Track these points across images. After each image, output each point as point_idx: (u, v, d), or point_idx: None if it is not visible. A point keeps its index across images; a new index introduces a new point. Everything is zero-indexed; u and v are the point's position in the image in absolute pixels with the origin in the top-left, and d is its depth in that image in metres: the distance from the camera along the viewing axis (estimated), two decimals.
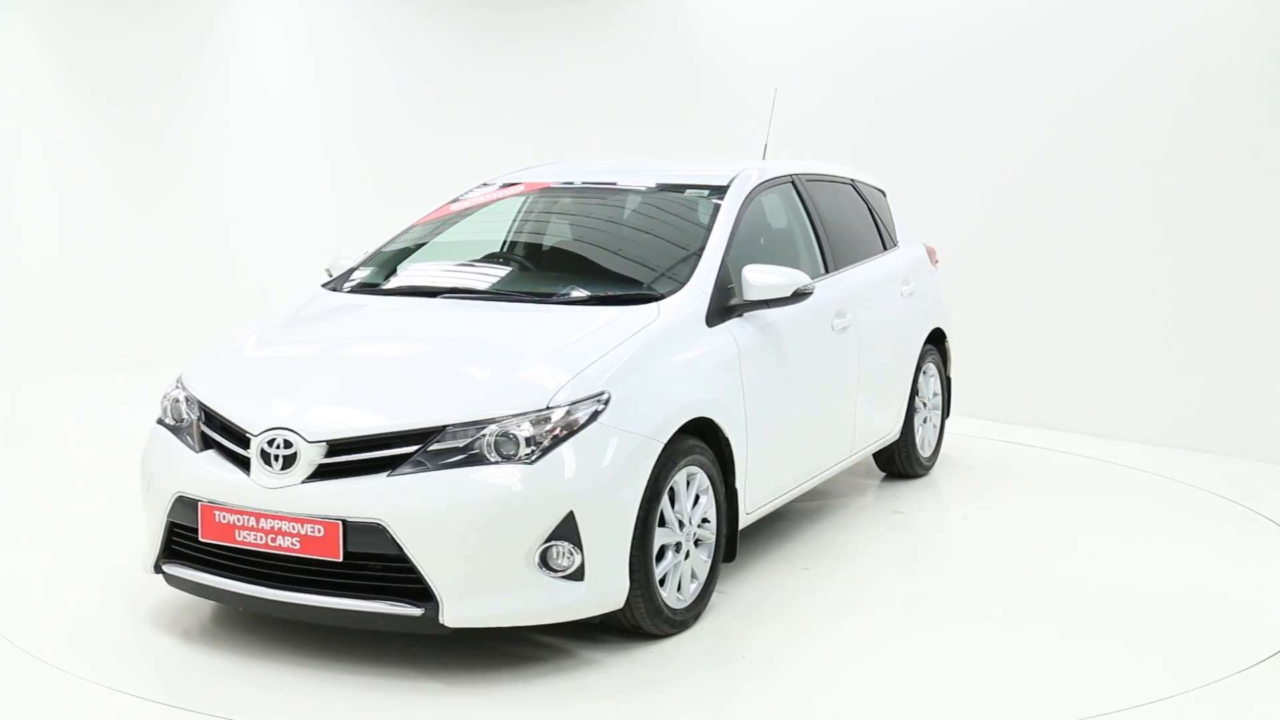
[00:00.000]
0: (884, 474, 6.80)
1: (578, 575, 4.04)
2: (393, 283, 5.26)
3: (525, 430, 4.03)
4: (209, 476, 4.22)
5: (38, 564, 5.26)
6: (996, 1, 8.19)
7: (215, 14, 10.94)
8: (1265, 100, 7.19)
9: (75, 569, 5.17)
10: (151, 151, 10.55)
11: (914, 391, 6.57)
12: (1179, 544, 5.75)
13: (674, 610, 4.43)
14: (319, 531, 3.99)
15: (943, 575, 5.31)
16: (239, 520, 4.11)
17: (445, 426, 4.04)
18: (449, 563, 3.94)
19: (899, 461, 6.65)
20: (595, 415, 4.13)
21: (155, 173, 10.57)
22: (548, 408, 4.09)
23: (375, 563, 3.98)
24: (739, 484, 4.80)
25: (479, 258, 5.43)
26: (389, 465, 4.01)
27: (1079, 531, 5.89)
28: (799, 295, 4.98)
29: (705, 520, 4.63)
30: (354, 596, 4.02)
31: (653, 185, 5.61)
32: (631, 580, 4.21)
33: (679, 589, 4.49)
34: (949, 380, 7.11)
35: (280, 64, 11.16)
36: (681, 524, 4.46)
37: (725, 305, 4.88)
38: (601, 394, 4.18)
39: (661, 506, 4.34)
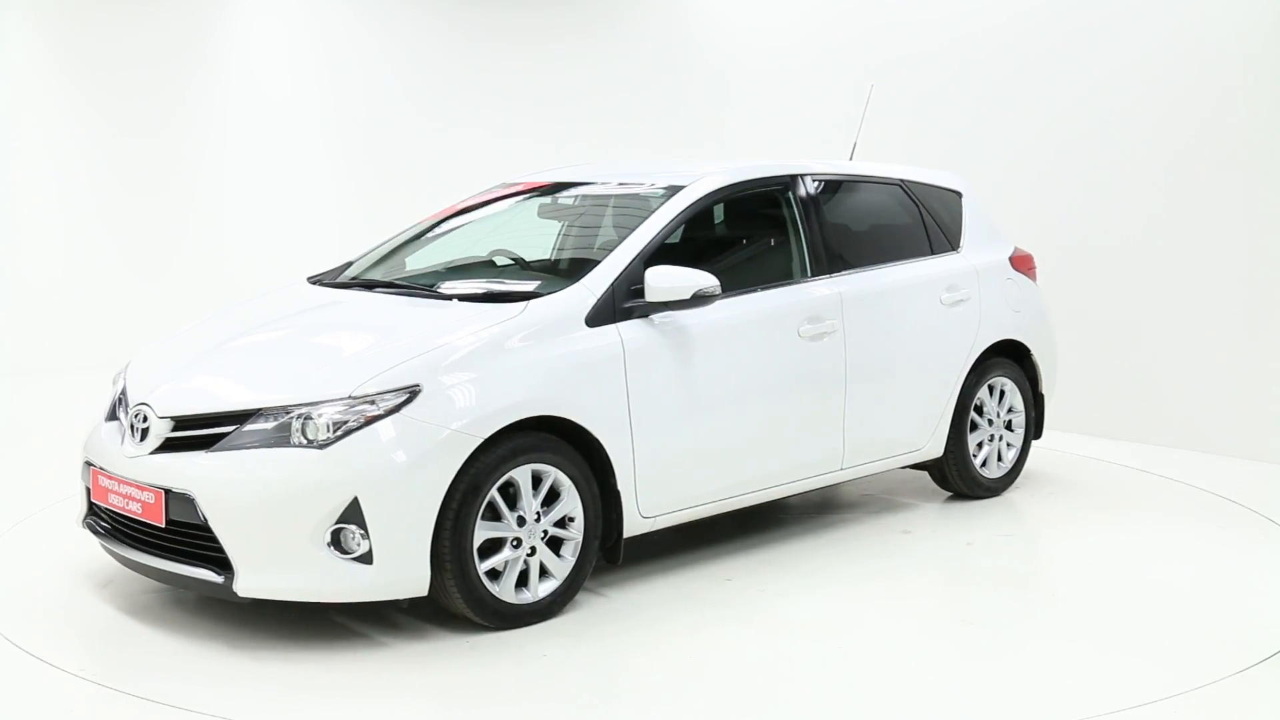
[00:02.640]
0: (949, 494, 6.39)
1: (366, 559, 4.20)
2: (352, 276, 5.58)
3: (326, 416, 4.23)
4: (101, 444, 4.72)
5: (32, 560, 5.35)
6: None
7: (215, 10, 10.99)
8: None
9: (68, 565, 5.22)
10: (152, 150, 10.57)
11: (970, 407, 6.14)
12: (1179, 544, 5.70)
13: (507, 605, 4.47)
14: (151, 499, 4.38)
15: (876, 597, 4.97)
16: (109, 485, 4.58)
17: (260, 409, 4.32)
18: (244, 536, 4.21)
19: (953, 481, 6.23)
20: (399, 407, 4.27)
21: (157, 170, 10.62)
22: (350, 396, 4.27)
23: (191, 530, 4.32)
24: (622, 487, 4.76)
25: (440, 256, 5.63)
26: (215, 442, 4.34)
27: (1080, 546, 5.68)
28: (700, 298, 4.86)
29: (571, 519, 4.64)
30: (175, 560, 4.39)
31: (625, 185, 5.61)
32: (444, 570, 4.31)
33: (525, 585, 4.54)
34: (1040, 398, 6.56)
35: (280, 60, 11.25)
36: (523, 520, 4.50)
37: (622, 306, 4.84)
38: (411, 386, 4.31)
39: (491, 500, 4.41)
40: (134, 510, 4.46)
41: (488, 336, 4.53)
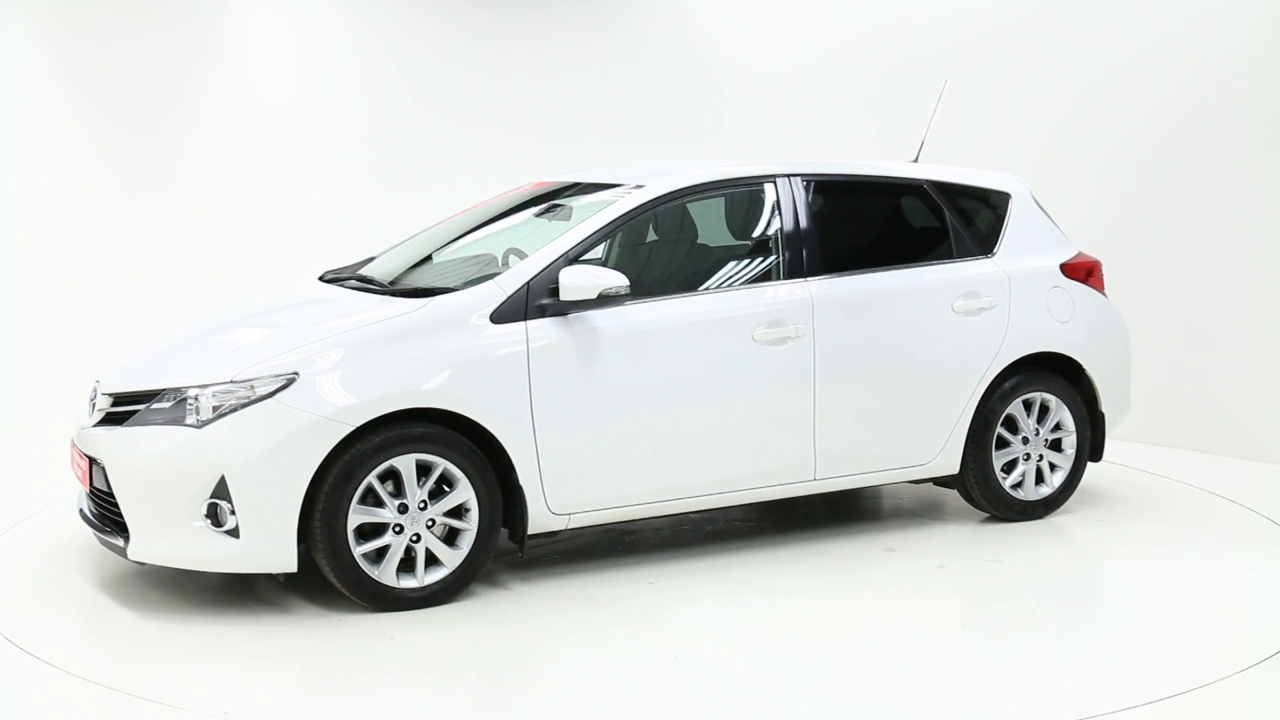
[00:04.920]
0: (985, 515, 5.99)
1: (235, 534, 4.49)
2: (354, 273, 5.85)
3: (209, 399, 4.55)
4: (79, 420, 5.25)
5: (32, 560, 5.39)
6: None
7: (215, 10, 10.83)
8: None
9: (67, 564, 5.29)
10: (152, 149, 10.45)
11: (996, 422, 5.75)
12: (1179, 544, 5.68)
13: (386, 588, 4.65)
14: (86, 466, 4.86)
15: (788, 611, 4.81)
16: (74, 455, 5.10)
17: (161, 390, 4.70)
18: (137, 504, 4.59)
19: (979, 500, 5.85)
20: (274, 393, 4.52)
21: (157, 170, 10.48)
22: (230, 381, 4.57)
23: (107, 496, 4.75)
24: (525, 482, 4.83)
25: (458, 255, 5.76)
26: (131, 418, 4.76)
27: (1073, 556, 5.66)
28: (606, 298, 4.85)
29: (467, 510, 4.76)
30: (97, 525, 4.84)
31: (618, 187, 5.62)
32: (317, 550, 4.55)
33: (410, 571, 4.70)
34: (1100, 417, 6.03)
35: (280, 60, 11.10)
36: (405, 508, 4.66)
37: (535, 304, 4.90)
38: (289, 374, 4.56)
39: (370, 485, 4.59)
40: (79, 477, 4.96)
41: (377, 330, 4.73)
